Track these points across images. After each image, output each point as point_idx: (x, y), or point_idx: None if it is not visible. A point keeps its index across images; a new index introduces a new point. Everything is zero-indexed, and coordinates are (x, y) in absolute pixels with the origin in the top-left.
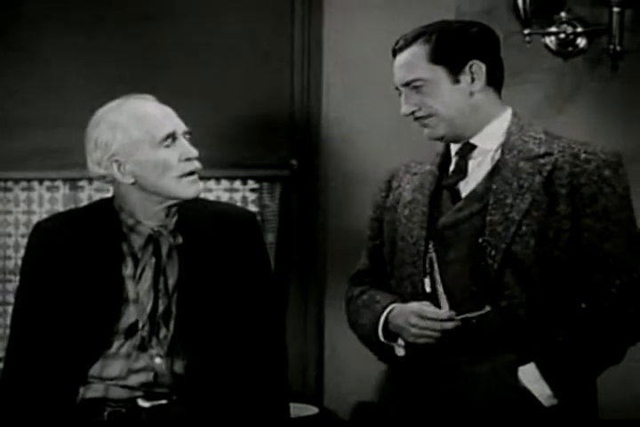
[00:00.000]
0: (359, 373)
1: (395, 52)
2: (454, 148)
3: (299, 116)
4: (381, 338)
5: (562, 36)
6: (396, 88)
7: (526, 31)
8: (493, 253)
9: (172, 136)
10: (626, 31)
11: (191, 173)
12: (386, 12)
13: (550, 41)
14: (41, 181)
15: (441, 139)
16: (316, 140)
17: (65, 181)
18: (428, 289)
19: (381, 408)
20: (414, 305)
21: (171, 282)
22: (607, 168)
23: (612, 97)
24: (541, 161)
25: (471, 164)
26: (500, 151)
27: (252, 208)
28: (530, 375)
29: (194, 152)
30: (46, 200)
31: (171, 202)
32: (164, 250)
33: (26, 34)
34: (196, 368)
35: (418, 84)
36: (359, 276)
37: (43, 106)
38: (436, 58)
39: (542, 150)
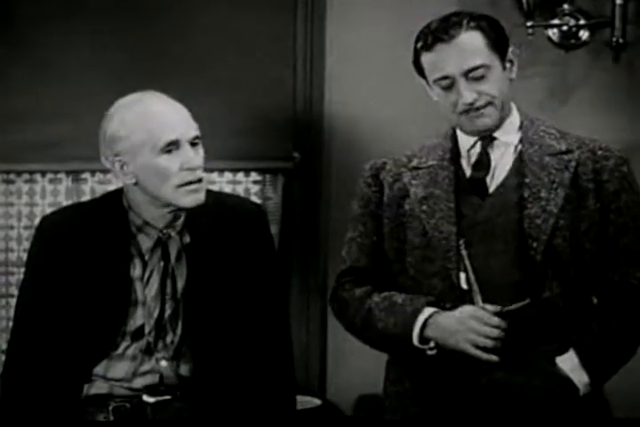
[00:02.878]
0: (362, 365)
1: (439, 40)
2: (469, 141)
3: (301, 109)
4: (416, 343)
5: (564, 28)
6: (444, 77)
7: (529, 23)
8: (535, 245)
9: (175, 144)
10: (628, 23)
11: (191, 183)
12: (389, 3)
13: (553, 33)
14: (43, 173)
15: (487, 130)
16: (318, 132)
17: (68, 173)
18: (465, 286)
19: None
20: (477, 312)
21: (179, 285)
22: (624, 165)
23: (615, 89)
24: (565, 157)
25: (493, 157)
26: (520, 145)
27: (255, 200)
28: (570, 363)
29: (196, 162)
30: (49, 192)
31: (173, 207)
32: (173, 253)
33: (28, 26)
34: (202, 370)
35: (481, 71)
36: (353, 273)
37: (46, 98)
38: (493, 44)
39: (563, 147)
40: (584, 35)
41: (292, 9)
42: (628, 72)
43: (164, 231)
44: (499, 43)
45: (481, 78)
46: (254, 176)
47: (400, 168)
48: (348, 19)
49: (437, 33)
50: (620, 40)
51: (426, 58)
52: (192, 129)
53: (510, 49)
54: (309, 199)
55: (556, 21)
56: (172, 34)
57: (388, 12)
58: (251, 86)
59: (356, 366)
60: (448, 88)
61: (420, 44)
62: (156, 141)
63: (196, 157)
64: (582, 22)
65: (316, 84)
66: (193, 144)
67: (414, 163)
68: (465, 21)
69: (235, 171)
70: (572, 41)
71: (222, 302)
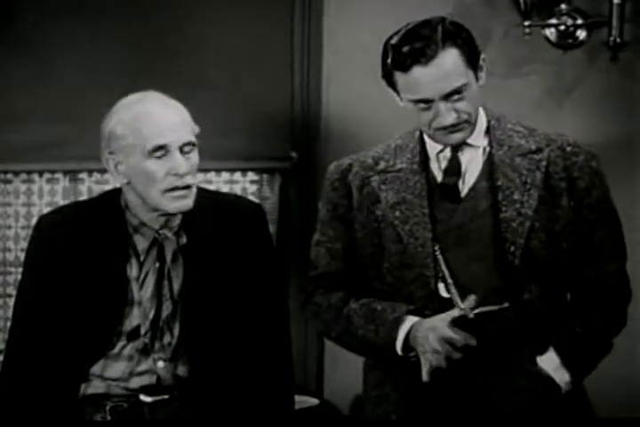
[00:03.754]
0: (359, 365)
1: (416, 62)
2: (437, 145)
3: (299, 109)
4: (399, 352)
5: (562, 27)
6: (422, 100)
7: (526, 23)
8: (512, 249)
9: (164, 149)
10: (626, 23)
11: (178, 189)
12: (385, 2)
13: (550, 33)
14: (41, 173)
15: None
16: (315, 132)
17: (65, 173)
18: (445, 294)
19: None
20: (444, 330)
21: (176, 286)
22: (593, 160)
23: (612, 89)
24: (536, 157)
25: (463, 161)
26: (489, 147)
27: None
28: (551, 363)
29: (184, 168)
30: (46, 192)
31: (162, 211)
32: (169, 254)
33: (28, 26)
34: (200, 371)
35: (461, 91)
36: (326, 278)
37: (44, 98)
38: (469, 59)
39: (533, 146)
40: (581, 34)
41: (290, 10)
42: (626, 72)
43: (161, 232)
44: (472, 55)
45: (460, 98)
46: (251, 176)
47: (368, 171)
48: (345, 19)
49: (413, 54)
50: (618, 40)
51: (400, 78)
52: (187, 134)
53: (482, 56)
54: (307, 199)
55: (553, 21)
56: (172, 35)
57: (385, 12)
58: (249, 87)
59: (353, 366)
60: (425, 109)
61: (391, 61)
62: (145, 144)
63: (185, 163)
64: (580, 22)
65: (314, 84)
66: (185, 150)
67: (382, 166)
68: (439, 38)
69: (232, 170)
70: (570, 40)
71: (220, 303)
